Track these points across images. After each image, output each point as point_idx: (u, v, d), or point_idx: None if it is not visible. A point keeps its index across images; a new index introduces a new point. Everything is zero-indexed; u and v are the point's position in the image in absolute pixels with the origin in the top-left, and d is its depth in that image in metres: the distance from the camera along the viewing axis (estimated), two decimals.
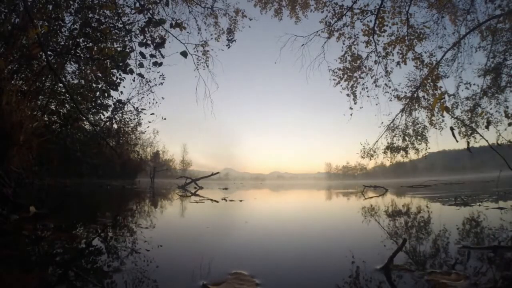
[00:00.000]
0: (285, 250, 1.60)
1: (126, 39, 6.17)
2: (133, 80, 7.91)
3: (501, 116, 9.32)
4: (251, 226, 2.45)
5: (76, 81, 7.52)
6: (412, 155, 10.14)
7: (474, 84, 9.65)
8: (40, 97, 6.52)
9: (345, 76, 8.44)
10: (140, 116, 10.45)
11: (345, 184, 22.71)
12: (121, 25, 5.77)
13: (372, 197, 5.92)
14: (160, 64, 3.68)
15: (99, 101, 8.18)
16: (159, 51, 3.63)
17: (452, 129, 2.38)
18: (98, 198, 5.30)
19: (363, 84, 8.51)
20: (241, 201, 4.87)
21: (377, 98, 8.73)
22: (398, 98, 9.38)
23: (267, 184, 28.61)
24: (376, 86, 8.54)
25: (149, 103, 9.13)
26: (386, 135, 9.97)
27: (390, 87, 8.82)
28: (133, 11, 5.79)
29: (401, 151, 10.02)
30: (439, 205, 3.90)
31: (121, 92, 7.64)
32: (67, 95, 6.89)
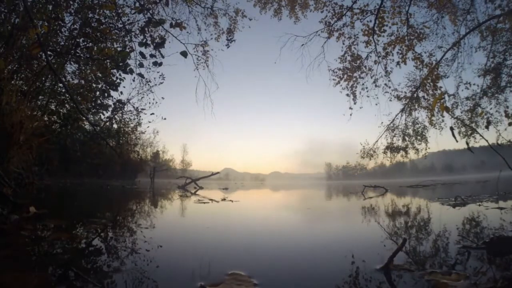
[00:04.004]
0: (284, 250, 1.59)
1: (126, 39, 6.17)
2: (133, 80, 7.91)
3: (501, 116, 9.31)
4: (250, 226, 2.45)
5: (76, 81, 7.51)
6: (412, 155, 10.12)
7: (474, 84, 9.63)
8: (40, 97, 6.52)
9: (345, 76, 8.43)
10: (140, 116, 10.45)
11: (345, 184, 22.71)
12: (121, 25, 5.77)
13: (372, 197, 5.92)
14: (160, 64, 3.68)
15: (99, 101, 8.18)
16: (159, 51, 3.63)
17: (452, 129, 2.37)
18: (98, 198, 5.30)
19: (363, 84, 8.50)
20: (237, 201, 4.87)
21: (377, 98, 8.70)
22: (398, 98, 9.36)
23: (267, 184, 28.62)
24: (376, 86, 8.52)
25: (149, 103, 9.15)
26: (386, 135, 9.95)
27: (390, 87, 8.81)
28: (133, 11, 5.78)
29: (401, 151, 10.00)
30: (438, 205, 3.90)
31: (121, 92, 7.67)
32: (67, 95, 6.89)
